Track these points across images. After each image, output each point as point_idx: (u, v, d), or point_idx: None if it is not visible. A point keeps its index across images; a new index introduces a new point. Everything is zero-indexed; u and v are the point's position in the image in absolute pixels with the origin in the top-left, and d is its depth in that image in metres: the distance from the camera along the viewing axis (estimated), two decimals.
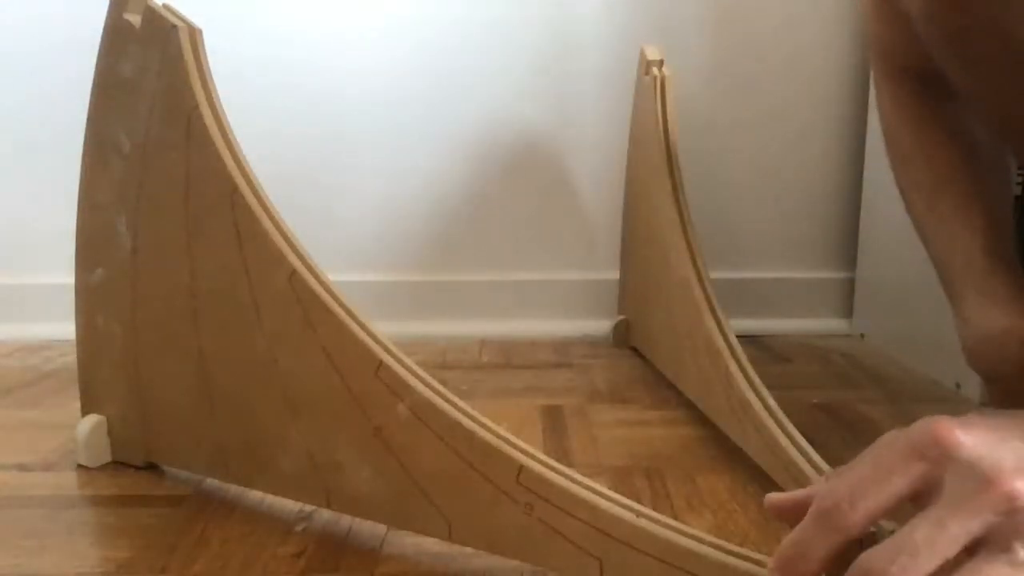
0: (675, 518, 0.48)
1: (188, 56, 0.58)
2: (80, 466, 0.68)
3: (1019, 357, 0.46)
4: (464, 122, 1.11)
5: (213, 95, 0.59)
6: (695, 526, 0.46)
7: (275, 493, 0.60)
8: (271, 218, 0.56)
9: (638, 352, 1.02)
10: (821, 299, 1.15)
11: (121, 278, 0.65)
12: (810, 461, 0.59)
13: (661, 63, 0.93)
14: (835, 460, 0.58)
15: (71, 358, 1.00)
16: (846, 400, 0.85)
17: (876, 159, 1.05)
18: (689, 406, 0.81)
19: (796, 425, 0.62)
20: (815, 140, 1.13)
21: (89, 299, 0.68)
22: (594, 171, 1.13)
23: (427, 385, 0.52)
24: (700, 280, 0.80)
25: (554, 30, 1.09)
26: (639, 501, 0.47)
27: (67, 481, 0.66)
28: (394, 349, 0.54)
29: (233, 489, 0.63)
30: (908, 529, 0.33)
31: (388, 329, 0.59)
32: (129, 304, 0.65)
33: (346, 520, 0.58)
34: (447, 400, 0.52)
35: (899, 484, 0.34)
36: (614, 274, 1.09)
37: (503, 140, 1.12)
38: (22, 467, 0.69)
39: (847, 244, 1.14)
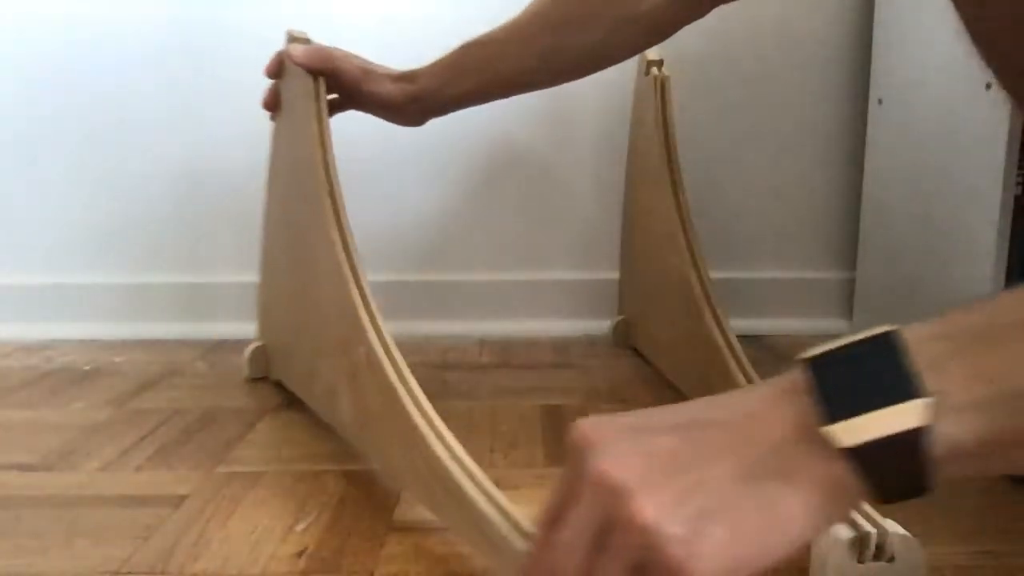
0: None
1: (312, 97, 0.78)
2: (80, 465, 0.68)
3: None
4: (464, 120, 1.10)
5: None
6: None
7: (316, 410, 0.77)
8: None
9: (638, 352, 1.02)
10: (821, 299, 1.15)
11: (274, 246, 0.87)
12: None
13: (661, 63, 0.93)
14: None
15: (71, 358, 1.00)
16: None
17: (876, 159, 1.05)
18: None
19: None
20: (815, 140, 1.13)
21: (264, 262, 0.90)
22: (594, 171, 1.13)
23: (378, 334, 0.61)
24: (700, 280, 0.80)
25: None
26: None
27: (67, 481, 0.66)
28: (368, 293, 0.63)
29: (233, 489, 0.64)
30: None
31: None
32: (276, 260, 0.86)
33: (346, 520, 0.59)
34: (389, 355, 0.59)
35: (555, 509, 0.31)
36: (614, 274, 1.09)
37: (503, 139, 1.12)
38: (22, 467, 0.69)
39: (847, 244, 1.14)
